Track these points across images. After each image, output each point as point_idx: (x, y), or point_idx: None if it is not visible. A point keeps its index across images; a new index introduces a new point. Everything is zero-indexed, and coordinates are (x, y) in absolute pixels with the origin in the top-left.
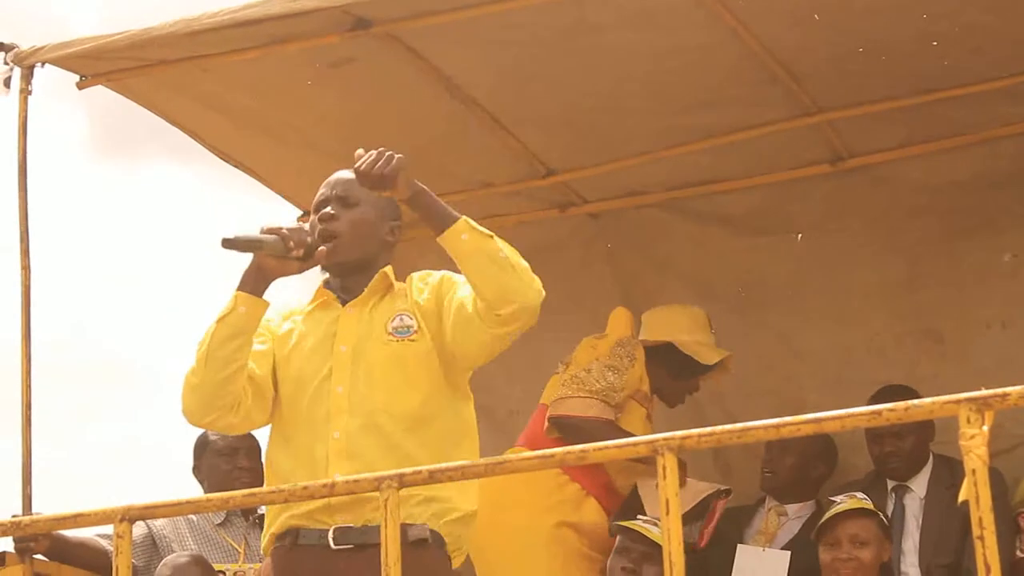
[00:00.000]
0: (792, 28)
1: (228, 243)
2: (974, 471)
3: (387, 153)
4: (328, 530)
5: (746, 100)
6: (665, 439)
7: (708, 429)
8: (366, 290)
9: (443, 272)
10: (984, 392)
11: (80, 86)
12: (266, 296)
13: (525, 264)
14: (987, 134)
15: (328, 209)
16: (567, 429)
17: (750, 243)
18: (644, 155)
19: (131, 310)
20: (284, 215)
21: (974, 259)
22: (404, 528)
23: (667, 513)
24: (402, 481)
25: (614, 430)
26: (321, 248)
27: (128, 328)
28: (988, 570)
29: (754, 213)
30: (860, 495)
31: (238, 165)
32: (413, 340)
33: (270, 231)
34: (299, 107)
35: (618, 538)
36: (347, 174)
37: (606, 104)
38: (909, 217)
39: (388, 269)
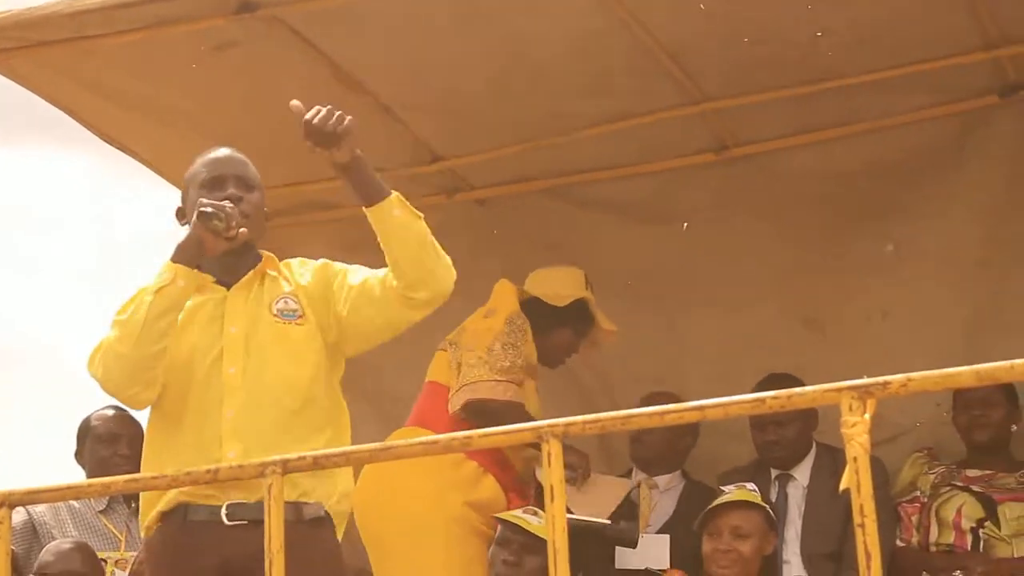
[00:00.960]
0: (679, 17)
1: (202, 215)
2: (855, 459)
3: (338, 112)
4: (220, 506)
5: (633, 88)
6: (550, 426)
7: (593, 416)
8: (251, 272)
9: (321, 260)
10: (866, 380)
11: None
12: None
13: (442, 251)
14: (872, 124)
15: (233, 190)
16: (485, 414)
17: (638, 231)
18: (531, 142)
19: (22, 295)
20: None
21: (858, 249)
22: (299, 507)
23: (551, 500)
24: (286, 467)
25: (524, 413)
26: (243, 230)
27: (19, 313)
28: (869, 557)
29: (641, 201)
30: (750, 486)
31: (123, 148)
32: (299, 323)
33: (214, 207)
34: (184, 90)
35: (499, 529)
36: (236, 153)
37: (493, 90)
38: (795, 206)
39: (267, 253)
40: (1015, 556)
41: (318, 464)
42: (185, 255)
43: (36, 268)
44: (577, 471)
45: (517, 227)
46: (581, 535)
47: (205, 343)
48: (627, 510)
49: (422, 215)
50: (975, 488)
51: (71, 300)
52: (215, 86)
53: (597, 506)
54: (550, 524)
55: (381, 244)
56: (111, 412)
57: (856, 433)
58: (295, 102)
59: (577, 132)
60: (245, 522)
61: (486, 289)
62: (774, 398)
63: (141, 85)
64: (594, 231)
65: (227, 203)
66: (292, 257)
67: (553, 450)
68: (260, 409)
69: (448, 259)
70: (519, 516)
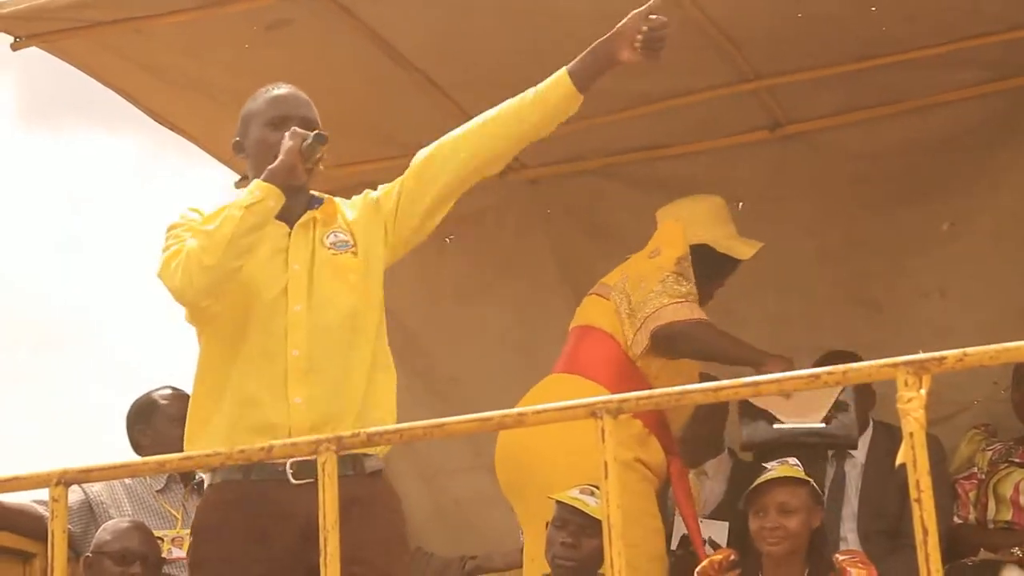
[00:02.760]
0: None
1: (318, 135)
2: (911, 434)
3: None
4: (285, 464)
5: (685, 66)
6: (603, 402)
7: (647, 392)
8: (312, 212)
9: (364, 191)
10: (921, 356)
11: (15, 47)
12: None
13: None
14: (924, 101)
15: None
16: (674, 338)
17: None
18: (583, 120)
19: (69, 276)
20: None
21: (912, 227)
22: (361, 459)
23: (605, 477)
24: (340, 444)
25: (715, 330)
26: (321, 166)
27: (66, 294)
28: (926, 533)
29: (693, 180)
30: (792, 461)
31: (173, 128)
32: (354, 254)
33: (318, 135)
34: (235, 69)
35: (555, 508)
36: (299, 93)
37: (544, 68)
38: (848, 184)
39: (330, 196)
40: None
41: (372, 441)
42: (277, 178)
43: (79, 247)
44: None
45: (568, 207)
46: (799, 444)
47: (268, 277)
48: (840, 411)
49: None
50: None
51: (113, 280)
52: (266, 65)
53: (808, 411)
54: (604, 500)
55: (539, 119)
56: (175, 391)
57: (912, 408)
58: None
59: (628, 111)
60: (313, 480)
61: (536, 268)
62: (829, 373)
63: (193, 64)
64: (646, 211)
65: (322, 134)
66: None
67: (607, 427)
68: (324, 351)
69: (190, 267)
70: (576, 497)
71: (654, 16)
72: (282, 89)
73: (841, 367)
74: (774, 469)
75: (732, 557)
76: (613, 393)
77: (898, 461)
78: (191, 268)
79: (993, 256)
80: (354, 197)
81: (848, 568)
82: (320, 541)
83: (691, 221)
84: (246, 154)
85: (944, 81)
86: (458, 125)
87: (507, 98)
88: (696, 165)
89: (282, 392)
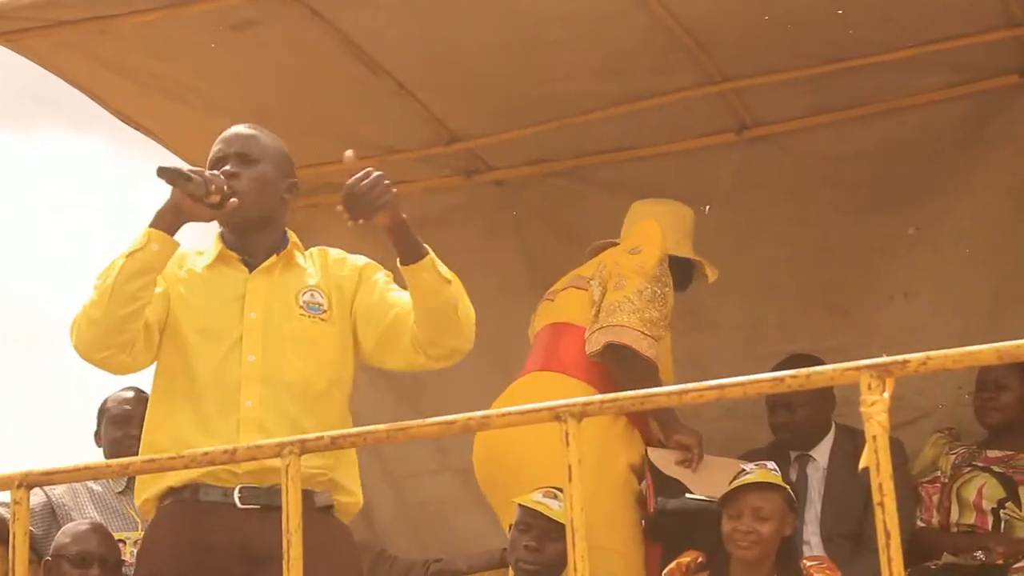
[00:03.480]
0: None
1: (162, 171)
2: (875, 437)
3: (384, 181)
4: (233, 489)
5: (652, 68)
6: (567, 406)
7: (611, 396)
8: (275, 256)
9: (366, 260)
10: (885, 359)
11: None
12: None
13: (470, 313)
14: (892, 104)
15: (228, 167)
16: (624, 363)
17: None
18: (549, 122)
19: (40, 277)
20: None
21: (879, 229)
22: (310, 494)
23: (570, 480)
24: (304, 447)
25: (658, 377)
26: (233, 200)
27: (39, 294)
28: (888, 536)
29: (661, 182)
30: (771, 466)
31: (141, 128)
32: (323, 319)
33: (193, 172)
34: (202, 70)
35: (518, 512)
36: (245, 130)
37: (512, 70)
38: (815, 187)
39: (294, 237)
40: None
41: (335, 444)
42: (162, 220)
43: (51, 246)
44: (693, 451)
45: (535, 209)
46: (701, 516)
47: (225, 323)
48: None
49: (452, 279)
50: (996, 468)
51: (86, 279)
52: (233, 66)
53: (714, 486)
54: (568, 505)
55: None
56: (128, 393)
57: (875, 412)
58: (349, 153)
59: (596, 113)
60: (259, 506)
61: (504, 270)
62: (793, 377)
63: (159, 65)
64: (612, 213)
65: (211, 171)
66: (312, 239)
67: (571, 431)
68: (275, 404)
69: (471, 322)
70: (539, 501)
71: (347, 156)
72: (228, 131)
73: (804, 371)
74: (752, 472)
75: (700, 559)
76: (599, 390)
77: (861, 465)
78: (80, 323)
79: (958, 259)
80: (354, 261)
81: (815, 574)
82: (283, 544)
83: (670, 227)
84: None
85: (912, 84)
86: (425, 126)
87: (475, 100)
88: (663, 167)
89: (234, 436)
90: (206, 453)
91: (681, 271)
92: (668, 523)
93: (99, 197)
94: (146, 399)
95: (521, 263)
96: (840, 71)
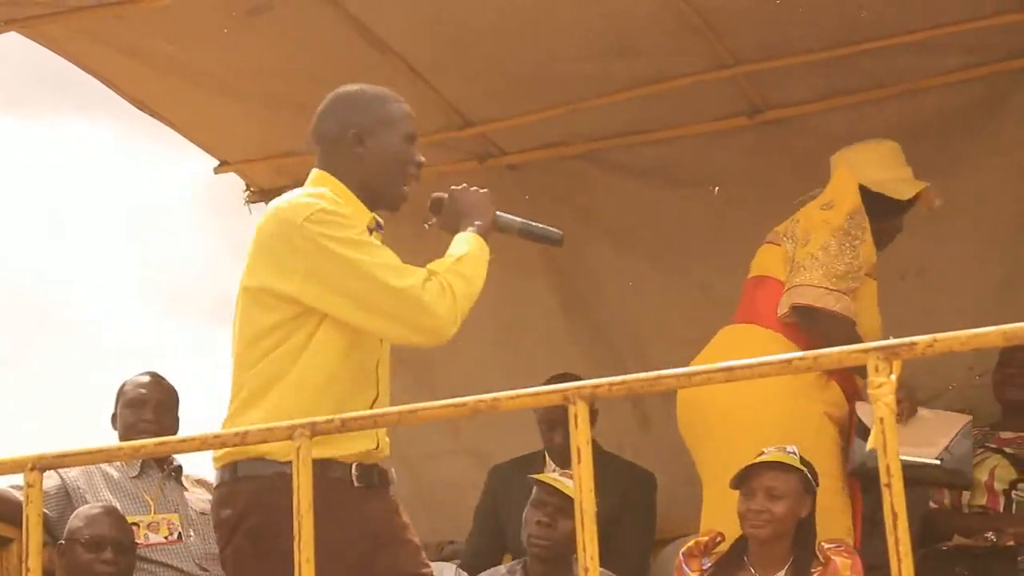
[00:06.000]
0: None
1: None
2: (882, 419)
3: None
4: (389, 469)
5: (664, 50)
6: (576, 388)
7: (620, 378)
8: None
9: None
10: (892, 341)
11: None
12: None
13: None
14: (904, 86)
15: None
16: (814, 321)
17: (670, 195)
18: (562, 106)
19: (55, 262)
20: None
21: None
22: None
23: (579, 462)
24: (314, 429)
25: (853, 331)
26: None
27: (50, 280)
28: (895, 517)
29: (673, 165)
30: (790, 448)
31: (154, 114)
32: None
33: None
34: (216, 55)
35: (534, 490)
36: None
37: (524, 54)
38: (827, 169)
39: None
40: None
41: (346, 427)
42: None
43: (63, 228)
44: (902, 404)
45: (548, 192)
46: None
47: None
48: (959, 449)
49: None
50: (1008, 450)
51: (97, 262)
52: (247, 51)
53: (925, 443)
54: (577, 486)
55: None
56: (145, 378)
57: (882, 394)
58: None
59: (608, 96)
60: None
61: (517, 254)
62: (801, 359)
63: (173, 50)
64: (625, 195)
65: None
66: None
67: (580, 412)
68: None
69: (459, 307)
70: (555, 478)
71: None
72: (406, 105)
73: (812, 352)
74: (769, 452)
75: (718, 538)
76: (796, 343)
77: (868, 446)
78: (465, 308)
79: (971, 238)
80: None
81: (833, 557)
82: (294, 526)
83: (859, 164)
84: (363, 150)
85: (926, 66)
86: (438, 111)
87: (488, 84)
88: (676, 150)
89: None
90: (217, 435)
91: (884, 203)
92: (867, 483)
93: (108, 181)
94: (159, 383)
95: (534, 247)
96: (853, 54)
